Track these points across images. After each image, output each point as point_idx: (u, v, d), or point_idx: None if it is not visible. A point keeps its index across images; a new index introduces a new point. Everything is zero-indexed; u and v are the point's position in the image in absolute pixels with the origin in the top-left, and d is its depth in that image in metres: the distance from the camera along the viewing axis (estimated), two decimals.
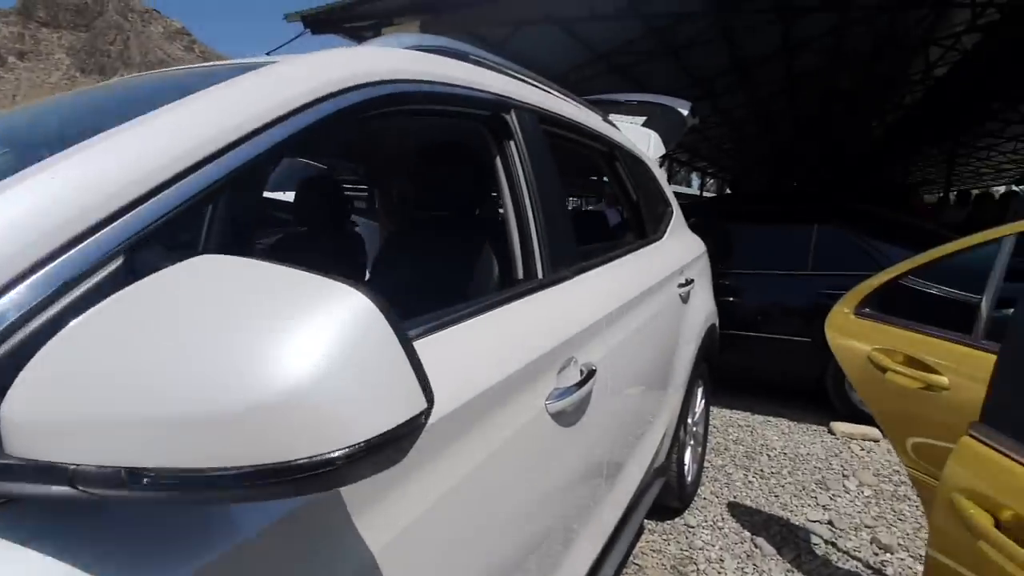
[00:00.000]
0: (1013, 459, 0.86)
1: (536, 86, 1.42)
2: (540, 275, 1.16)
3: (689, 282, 2.10)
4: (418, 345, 0.45)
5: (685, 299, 2.06)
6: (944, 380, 1.45)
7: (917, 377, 1.52)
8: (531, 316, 1.05)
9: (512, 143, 1.19)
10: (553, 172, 1.28)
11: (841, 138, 21.80)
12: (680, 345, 2.02)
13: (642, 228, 2.07)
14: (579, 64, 8.58)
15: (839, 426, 3.26)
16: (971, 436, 0.93)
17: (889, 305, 1.76)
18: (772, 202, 5.02)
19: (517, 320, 1.01)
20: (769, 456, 2.97)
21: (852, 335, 1.83)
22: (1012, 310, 1.67)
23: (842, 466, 2.84)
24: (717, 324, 2.54)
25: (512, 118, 1.19)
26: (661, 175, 2.55)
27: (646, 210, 2.12)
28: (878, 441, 3.11)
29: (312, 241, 1.97)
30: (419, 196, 1.45)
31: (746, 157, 24.77)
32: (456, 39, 1.39)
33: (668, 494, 2.14)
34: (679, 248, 2.26)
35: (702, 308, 2.30)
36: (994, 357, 1.45)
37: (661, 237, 2.16)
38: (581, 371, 1.08)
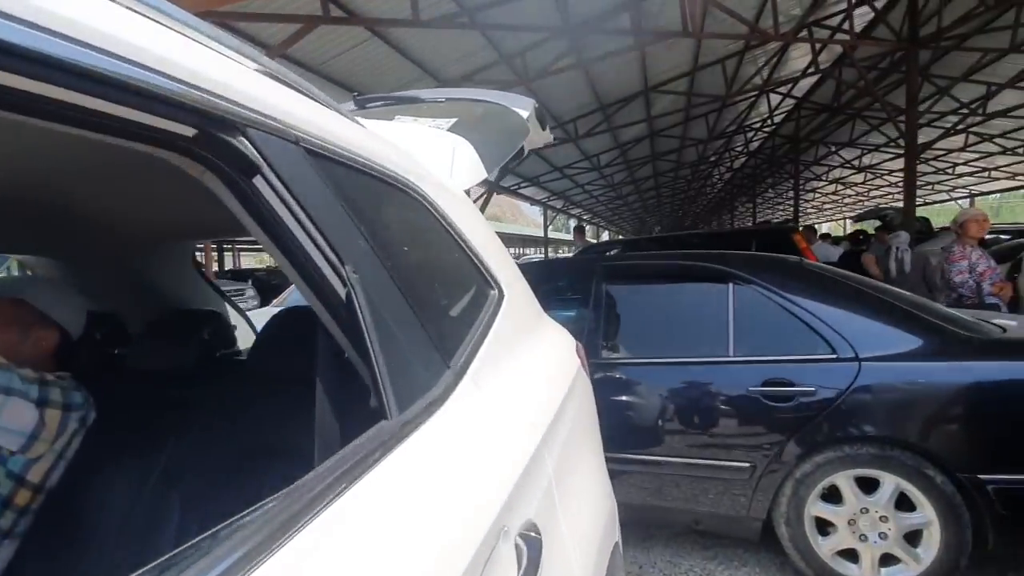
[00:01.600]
0: None
1: None
2: None
3: (531, 539, 0.68)
4: None
5: None
6: None
7: None
8: None
9: None
10: None
11: (695, 183, 23.41)
12: None
13: (375, 380, 0.63)
14: None
15: None
16: None
17: None
18: (660, 250, 4.01)
19: None
20: None
21: None
22: None
23: None
24: (619, 540, 1.17)
25: None
26: (475, 218, 1.19)
27: (404, 314, 0.70)
28: None
29: None
30: None
31: (616, 204, 25.66)
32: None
33: None
34: (501, 420, 0.86)
35: (574, 559, 0.89)
36: None
37: (449, 393, 0.75)
38: None
